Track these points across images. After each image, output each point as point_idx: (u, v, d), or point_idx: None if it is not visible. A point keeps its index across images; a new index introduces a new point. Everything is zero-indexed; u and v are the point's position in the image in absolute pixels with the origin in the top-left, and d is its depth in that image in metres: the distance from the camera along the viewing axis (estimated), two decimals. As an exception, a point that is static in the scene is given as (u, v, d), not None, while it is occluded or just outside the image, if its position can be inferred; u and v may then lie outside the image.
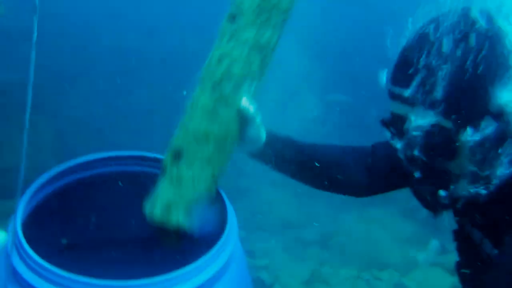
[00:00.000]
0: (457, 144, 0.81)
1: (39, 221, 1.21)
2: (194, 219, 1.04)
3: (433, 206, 0.91)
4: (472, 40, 0.78)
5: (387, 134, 0.93)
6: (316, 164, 1.14)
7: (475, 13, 0.80)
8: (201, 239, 1.08)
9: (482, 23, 0.79)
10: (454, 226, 1.08)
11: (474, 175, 0.83)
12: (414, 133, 0.83)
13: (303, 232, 4.46)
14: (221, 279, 0.94)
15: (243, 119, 1.02)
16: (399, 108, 0.87)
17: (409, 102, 0.84)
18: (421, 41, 0.84)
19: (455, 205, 0.89)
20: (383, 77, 0.93)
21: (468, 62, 0.78)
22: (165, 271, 1.09)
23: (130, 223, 1.32)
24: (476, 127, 0.79)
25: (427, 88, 0.81)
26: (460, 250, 1.08)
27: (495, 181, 0.81)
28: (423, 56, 0.81)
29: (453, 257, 1.12)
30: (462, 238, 1.04)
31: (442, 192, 0.86)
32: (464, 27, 0.79)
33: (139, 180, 1.30)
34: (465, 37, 0.79)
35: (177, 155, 1.05)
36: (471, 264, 1.00)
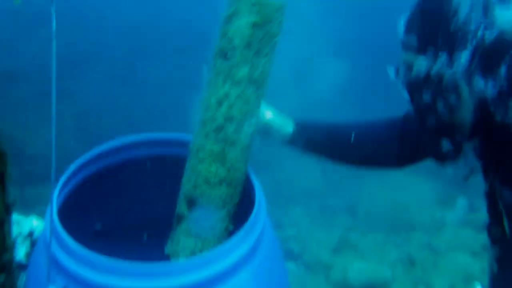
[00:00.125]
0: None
1: (73, 207, 1.25)
2: None
3: (443, 156, 0.93)
4: None
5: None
6: (350, 142, 1.16)
7: None
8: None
9: None
10: (483, 185, 1.05)
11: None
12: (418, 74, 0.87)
13: (328, 200, 4.48)
14: (255, 256, 0.95)
15: (266, 126, 1.13)
16: (409, 57, 0.90)
17: (417, 50, 0.88)
18: None
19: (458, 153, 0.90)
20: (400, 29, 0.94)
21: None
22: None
23: (159, 205, 1.35)
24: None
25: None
26: (490, 211, 1.05)
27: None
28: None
29: (482, 216, 1.10)
30: (492, 199, 1.02)
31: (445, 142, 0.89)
32: None
33: (167, 163, 1.31)
34: None
35: (192, 203, 1.09)
36: (501, 225, 0.98)
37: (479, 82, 0.81)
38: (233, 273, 0.91)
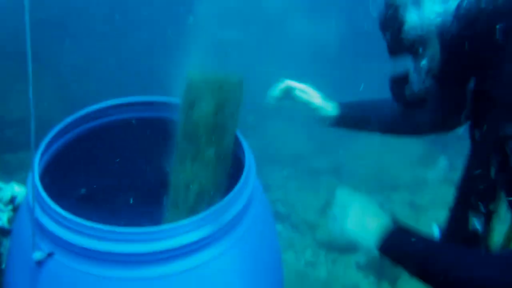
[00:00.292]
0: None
1: (56, 172, 1.21)
2: None
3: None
4: None
5: None
6: (392, 116, 1.26)
7: None
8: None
9: None
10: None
11: None
12: None
13: (315, 162, 4.52)
14: (245, 219, 0.95)
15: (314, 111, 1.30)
16: None
17: None
18: None
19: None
20: None
21: None
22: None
23: (145, 169, 1.32)
24: None
25: None
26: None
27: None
28: None
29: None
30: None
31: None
32: None
33: (152, 126, 1.27)
34: None
35: None
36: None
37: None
38: (223, 235, 0.90)
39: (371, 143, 4.67)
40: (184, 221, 0.88)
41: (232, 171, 1.13)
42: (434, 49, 0.85)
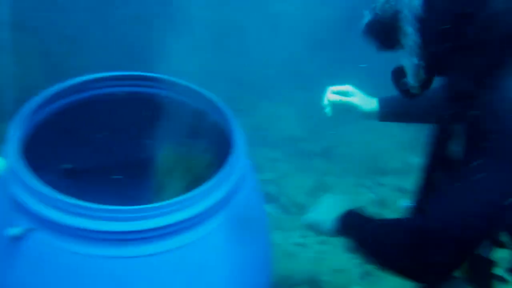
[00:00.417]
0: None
1: (37, 146, 1.16)
2: None
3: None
4: None
5: None
6: (430, 106, 1.25)
7: None
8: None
9: None
10: None
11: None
12: None
13: (306, 145, 4.51)
14: (237, 194, 0.92)
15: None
16: None
17: None
18: None
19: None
20: None
21: None
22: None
23: (133, 144, 1.28)
24: None
25: None
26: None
27: None
28: None
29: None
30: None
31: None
32: None
33: (139, 101, 1.22)
34: None
35: None
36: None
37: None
38: (213, 215, 0.87)
39: (361, 128, 4.67)
40: (172, 200, 0.85)
41: (223, 151, 1.09)
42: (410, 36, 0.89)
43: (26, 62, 3.96)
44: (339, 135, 4.66)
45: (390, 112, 1.42)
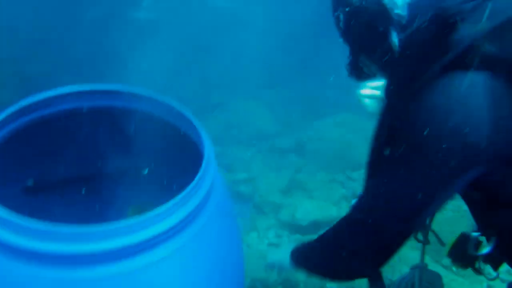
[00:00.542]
0: None
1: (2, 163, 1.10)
2: None
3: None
4: None
5: None
6: None
7: None
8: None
9: None
10: None
11: None
12: None
13: (279, 142, 4.52)
14: (205, 209, 0.90)
15: None
16: None
17: None
18: None
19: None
20: None
21: None
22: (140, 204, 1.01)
23: (96, 159, 1.23)
24: None
25: None
26: None
27: None
28: None
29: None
30: None
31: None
32: None
33: (103, 115, 1.17)
34: None
35: None
36: None
37: None
38: (181, 230, 0.84)
39: (333, 123, 4.74)
40: (140, 217, 0.82)
41: (192, 161, 1.07)
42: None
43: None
44: (311, 130, 4.71)
45: None
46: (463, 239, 1.00)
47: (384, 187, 0.89)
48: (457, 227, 1.09)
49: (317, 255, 1.01)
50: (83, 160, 1.29)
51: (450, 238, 1.09)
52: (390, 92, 0.91)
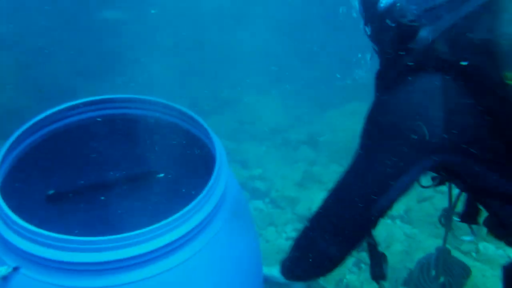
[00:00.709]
0: None
1: (20, 174, 1.15)
2: None
3: None
4: None
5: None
6: None
7: None
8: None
9: None
10: None
11: None
12: None
13: (291, 135, 4.52)
14: (218, 214, 0.92)
15: None
16: None
17: None
18: None
19: None
20: None
21: None
22: (158, 208, 1.05)
23: (114, 165, 1.27)
24: None
25: None
26: None
27: None
28: None
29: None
30: None
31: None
32: None
33: (116, 123, 1.21)
34: None
35: None
36: None
37: None
38: (195, 237, 0.87)
39: (344, 113, 4.71)
40: (154, 226, 0.85)
41: (205, 164, 1.10)
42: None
43: (3, 76, 3.89)
44: (323, 123, 4.70)
45: None
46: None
47: (348, 174, 0.98)
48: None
49: (299, 259, 1.06)
50: (99, 168, 1.34)
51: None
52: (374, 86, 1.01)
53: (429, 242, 2.58)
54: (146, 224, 0.86)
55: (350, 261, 2.47)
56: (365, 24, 1.07)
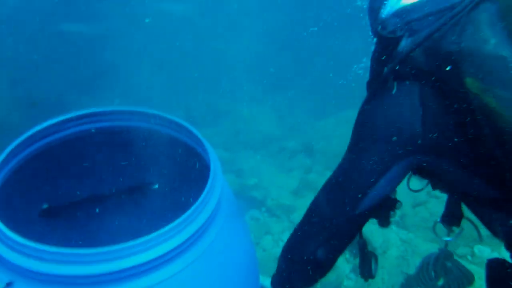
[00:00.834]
0: None
1: (13, 189, 1.15)
2: None
3: None
4: None
5: None
6: None
7: None
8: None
9: None
10: None
11: None
12: None
13: (286, 144, 4.54)
14: (212, 225, 0.92)
15: None
16: None
17: None
18: None
19: None
20: None
21: None
22: (153, 219, 1.05)
23: (108, 178, 1.27)
24: None
25: None
26: None
27: None
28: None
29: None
30: None
31: None
32: None
33: (112, 136, 1.21)
34: None
35: None
36: None
37: None
38: (190, 247, 0.88)
39: (337, 121, 4.74)
40: (147, 237, 0.85)
41: (200, 173, 1.10)
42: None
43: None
44: (318, 131, 4.72)
45: None
46: None
47: (335, 172, 1.04)
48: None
49: (289, 271, 1.07)
50: (93, 181, 1.33)
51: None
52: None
53: (425, 247, 2.59)
54: (142, 236, 0.86)
55: (347, 268, 2.47)
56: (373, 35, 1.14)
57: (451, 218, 1.29)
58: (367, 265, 1.17)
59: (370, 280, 1.40)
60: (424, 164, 0.97)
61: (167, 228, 0.84)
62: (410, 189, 1.23)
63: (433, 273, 1.62)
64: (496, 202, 0.91)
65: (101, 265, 0.82)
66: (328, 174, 1.11)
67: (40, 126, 1.18)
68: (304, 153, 4.42)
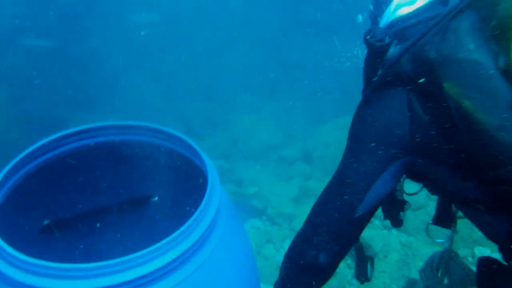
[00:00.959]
0: None
1: (16, 204, 1.16)
2: None
3: None
4: None
5: None
6: None
7: None
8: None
9: None
10: None
11: None
12: None
13: (285, 152, 4.55)
14: (211, 236, 0.93)
15: None
16: None
17: None
18: None
19: None
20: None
21: None
22: (153, 230, 1.06)
23: (108, 192, 1.28)
24: None
25: None
26: None
27: None
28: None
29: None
30: None
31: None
32: None
33: (114, 149, 1.23)
34: None
35: None
36: None
37: None
38: (190, 258, 0.88)
39: (335, 127, 4.76)
40: (149, 248, 0.86)
41: (199, 185, 1.11)
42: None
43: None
44: (316, 138, 4.74)
45: None
46: None
47: (334, 175, 1.07)
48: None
49: (290, 272, 1.08)
50: (94, 195, 1.35)
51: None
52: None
53: (425, 250, 2.59)
54: (143, 247, 0.87)
55: (349, 273, 2.46)
56: None
57: (442, 220, 1.32)
58: (363, 267, 1.19)
59: (372, 285, 1.40)
60: (415, 166, 1.00)
61: (167, 239, 0.85)
62: (406, 193, 1.25)
63: (436, 271, 1.62)
64: (484, 204, 0.93)
65: (104, 278, 0.83)
66: (327, 180, 1.12)
67: (38, 143, 1.19)
68: (303, 161, 4.42)
